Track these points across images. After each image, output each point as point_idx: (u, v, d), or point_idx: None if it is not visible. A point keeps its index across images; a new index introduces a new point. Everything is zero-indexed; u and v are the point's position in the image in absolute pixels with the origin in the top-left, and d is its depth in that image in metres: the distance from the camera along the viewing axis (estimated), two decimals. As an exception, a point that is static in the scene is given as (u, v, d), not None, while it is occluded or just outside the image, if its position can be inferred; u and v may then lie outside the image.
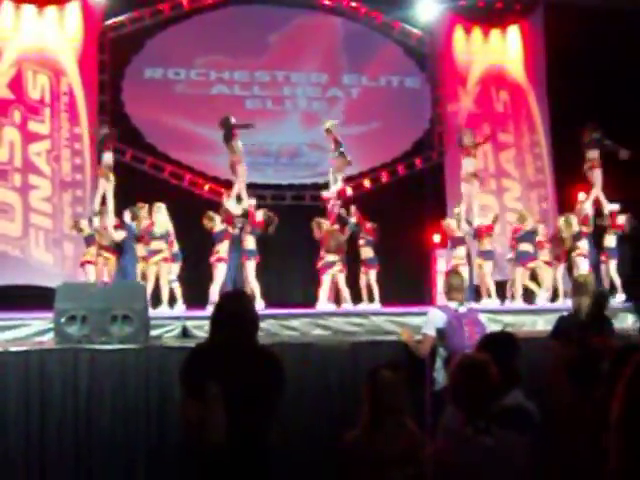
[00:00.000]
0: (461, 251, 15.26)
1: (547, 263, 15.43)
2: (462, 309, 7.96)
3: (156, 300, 13.69)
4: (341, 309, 13.61)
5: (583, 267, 14.57)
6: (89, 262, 14.56)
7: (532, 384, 6.14)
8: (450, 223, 15.61)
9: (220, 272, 13.87)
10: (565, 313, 8.30)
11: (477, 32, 19.92)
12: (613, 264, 15.11)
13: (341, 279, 14.16)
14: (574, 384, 6.44)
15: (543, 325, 11.41)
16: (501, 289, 15.52)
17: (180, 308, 13.89)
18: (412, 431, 5.09)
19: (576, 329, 7.54)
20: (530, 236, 15.21)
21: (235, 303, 5.31)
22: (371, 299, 14.91)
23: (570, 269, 15.15)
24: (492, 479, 4.16)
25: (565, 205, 17.79)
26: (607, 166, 15.67)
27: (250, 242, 14.22)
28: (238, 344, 5.04)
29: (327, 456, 5.47)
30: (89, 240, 14.72)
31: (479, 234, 15.36)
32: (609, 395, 3.95)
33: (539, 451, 4.70)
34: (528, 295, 15.15)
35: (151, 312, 11.08)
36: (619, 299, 14.21)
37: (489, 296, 14.92)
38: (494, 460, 4.19)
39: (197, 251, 14.99)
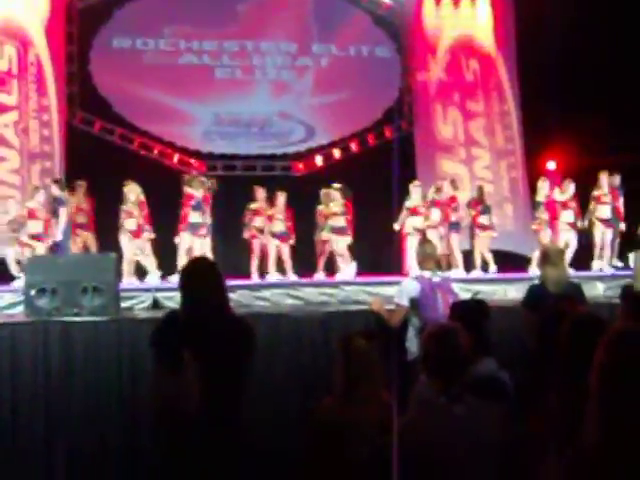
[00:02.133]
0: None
1: (570, 225, 15.45)
2: (436, 278, 7.98)
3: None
4: (314, 279, 13.64)
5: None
6: None
7: (504, 353, 6.17)
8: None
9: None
10: (535, 282, 8.34)
11: (447, 1, 19.86)
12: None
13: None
14: (538, 348, 6.48)
15: (515, 294, 11.47)
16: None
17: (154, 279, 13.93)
18: (385, 401, 5.09)
19: (545, 298, 7.58)
20: (488, 209, 15.45)
21: (200, 268, 5.28)
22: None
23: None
24: (466, 448, 4.17)
25: (534, 174, 17.87)
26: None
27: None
28: (210, 311, 5.01)
29: (299, 426, 5.48)
30: None
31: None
32: (564, 363, 3.99)
33: (512, 421, 4.72)
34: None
35: (121, 284, 11.06)
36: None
37: (456, 266, 15.06)
38: (467, 429, 4.21)
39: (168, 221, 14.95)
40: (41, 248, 13.62)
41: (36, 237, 13.74)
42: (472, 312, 5.89)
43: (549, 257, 7.91)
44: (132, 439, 8.55)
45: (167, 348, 4.84)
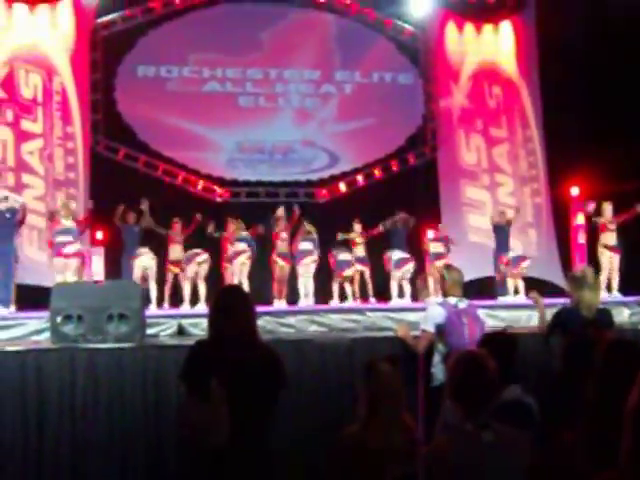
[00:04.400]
0: None
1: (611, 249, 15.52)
2: (461, 305, 7.94)
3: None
4: (337, 305, 13.65)
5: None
6: None
7: (529, 379, 6.15)
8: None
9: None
10: (562, 307, 8.25)
11: (469, 28, 19.94)
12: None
13: None
14: (566, 375, 6.45)
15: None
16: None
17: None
18: (409, 426, 5.07)
19: (576, 321, 7.53)
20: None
21: (231, 298, 5.28)
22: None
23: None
24: (493, 475, 4.16)
25: (558, 200, 17.85)
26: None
27: None
28: (239, 340, 5.01)
29: (324, 453, 5.47)
30: None
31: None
32: (600, 388, 3.97)
33: (540, 447, 4.70)
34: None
35: (146, 311, 11.09)
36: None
37: None
38: (495, 456, 4.19)
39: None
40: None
41: None
42: (502, 344, 5.87)
43: (586, 280, 7.81)
44: (156, 466, 8.54)
45: (196, 379, 4.84)
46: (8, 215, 13.53)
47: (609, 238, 15.43)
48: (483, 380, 4.42)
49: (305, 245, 15.30)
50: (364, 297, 15.69)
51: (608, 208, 15.46)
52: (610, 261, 15.28)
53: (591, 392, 4.01)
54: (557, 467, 3.95)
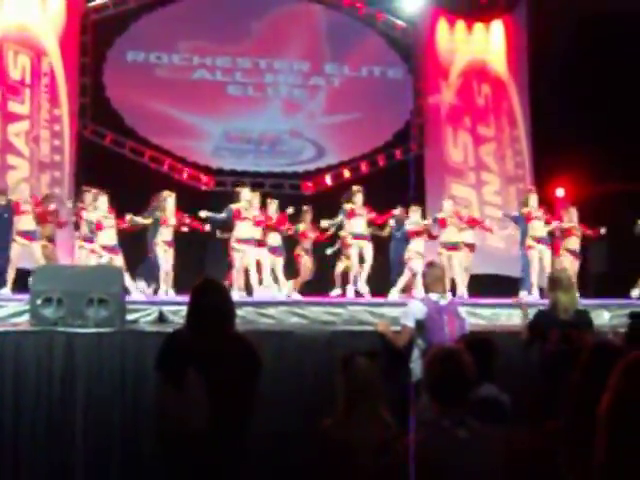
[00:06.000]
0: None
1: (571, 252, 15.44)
2: (443, 301, 7.95)
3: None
4: (319, 298, 13.62)
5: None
6: None
7: (505, 378, 6.16)
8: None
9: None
10: (540, 310, 8.29)
11: (460, 25, 19.96)
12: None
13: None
14: (549, 378, 6.48)
15: (519, 319, 11.43)
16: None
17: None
18: (387, 421, 5.07)
19: (553, 324, 7.56)
20: None
21: (212, 292, 5.31)
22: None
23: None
24: (468, 472, 4.16)
25: (543, 200, 17.89)
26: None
27: None
28: (215, 331, 5.04)
29: (302, 444, 5.47)
30: None
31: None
32: (584, 390, 3.99)
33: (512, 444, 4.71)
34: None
35: (127, 297, 11.07)
36: None
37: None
38: (470, 453, 4.19)
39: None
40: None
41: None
42: (481, 343, 5.90)
43: (561, 282, 7.85)
44: (134, 451, 8.53)
45: (171, 368, 4.87)
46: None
47: (572, 242, 15.41)
48: (459, 377, 4.42)
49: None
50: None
51: (574, 213, 15.42)
52: (571, 266, 15.22)
53: (572, 395, 4.03)
54: (537, 451, 3.98)
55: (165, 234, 14.17)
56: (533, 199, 15.09)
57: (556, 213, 15.80)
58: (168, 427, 4.99)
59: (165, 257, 14.13)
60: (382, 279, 15.26)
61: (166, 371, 4.97)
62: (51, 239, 14.66)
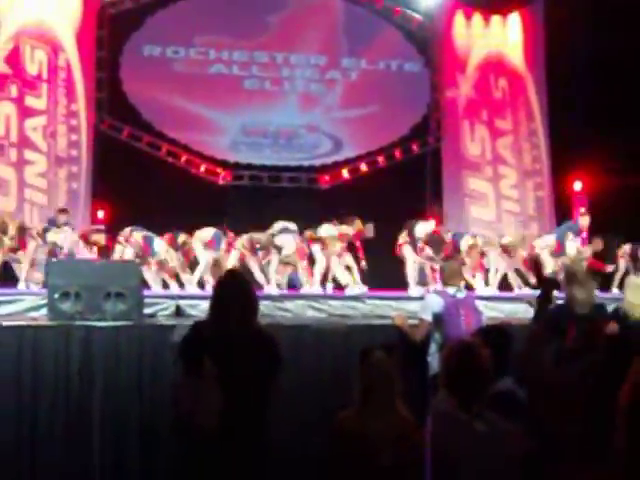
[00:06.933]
0: None
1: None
2: (460, 295, 7.94)
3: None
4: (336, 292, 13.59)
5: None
6: None
7: (521, 372, 6.13)
8: None
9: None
10: (556, 305, 8.19)
11: (477, 18, 19.86)
12: None
13: None
14: (566, 370, 6.44)
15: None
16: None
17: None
18: (403, 414, 5.08)
19: (569, 319, 7.48)
20: None
21: (234, 285, 5.32)
22: None
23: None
24: (485, 464, 4.16)
25: (561, 194, 17.85)
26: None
27: None
28: (236, 324, 5.05)
29: (319, 437, 5.47)
30: None
31: None
32: (603, 380, 3.98)
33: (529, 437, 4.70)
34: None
35: (145, 290, 11.08)
36: None
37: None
38: (487, 445, 4.19)
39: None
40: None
41: None
42: (498, 337, 5.88)
43: (576, 277, 7.76)
44: (151, 444, 8.55)
45: (193, 359, 4.88)
46: None
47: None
48: (476, 369, 4.42)
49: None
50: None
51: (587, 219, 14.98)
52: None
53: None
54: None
55: None
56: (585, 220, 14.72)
57: (574, 206, 15.72)
58: (183, 418, 5.00)
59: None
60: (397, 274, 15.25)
61: (186, 361, 4.99)
62: None
